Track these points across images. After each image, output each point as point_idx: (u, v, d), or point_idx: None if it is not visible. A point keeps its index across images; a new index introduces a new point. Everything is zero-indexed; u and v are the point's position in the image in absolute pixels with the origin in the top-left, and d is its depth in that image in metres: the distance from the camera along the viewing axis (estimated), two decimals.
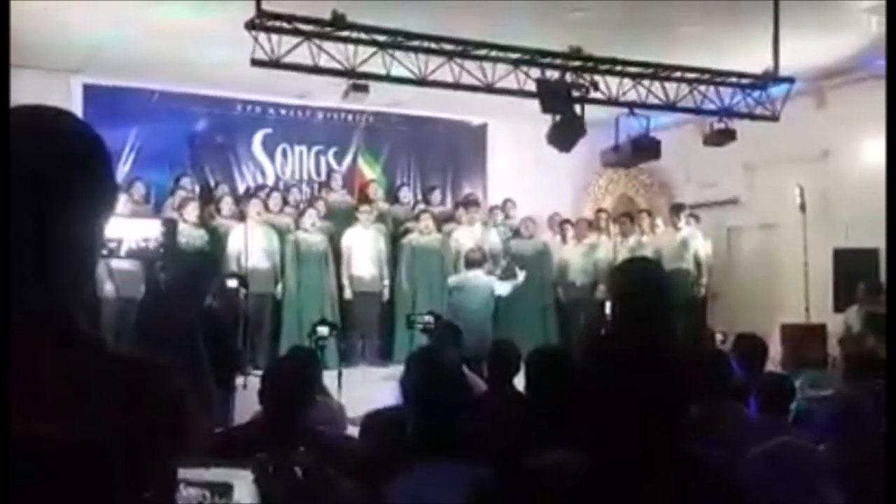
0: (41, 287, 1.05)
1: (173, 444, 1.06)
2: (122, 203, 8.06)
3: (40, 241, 1.05)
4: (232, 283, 7.47)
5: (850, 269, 9.00)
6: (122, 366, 1.07)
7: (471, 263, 8.69)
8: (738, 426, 3.72)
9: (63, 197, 1.07)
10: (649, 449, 2.49)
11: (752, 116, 8.31)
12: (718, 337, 6.58)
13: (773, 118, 8.29)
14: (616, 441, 2.70)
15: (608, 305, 4.11)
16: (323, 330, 6.56)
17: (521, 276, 8.94)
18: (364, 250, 9.72)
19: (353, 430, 4.46)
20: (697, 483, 2.10)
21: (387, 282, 9.82)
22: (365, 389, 7.41)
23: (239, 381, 6.45)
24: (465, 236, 10.12)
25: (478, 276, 8.63)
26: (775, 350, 7.95)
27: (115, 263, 7.77)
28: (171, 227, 7.85)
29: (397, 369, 7.46)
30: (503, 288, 8.75)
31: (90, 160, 1.12)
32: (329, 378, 6.37)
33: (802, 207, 9.38)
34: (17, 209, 1.04)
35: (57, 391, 1.00)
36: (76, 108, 9.80)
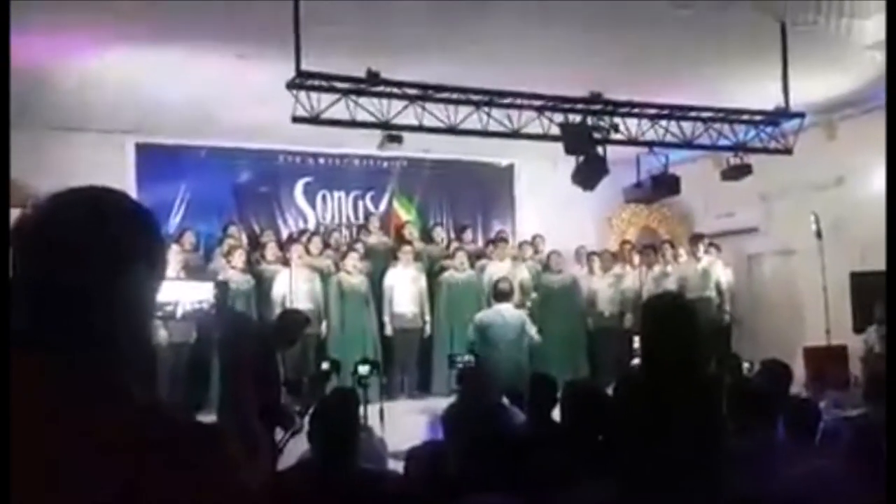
0: (92, 346, 1.09)
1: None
2: (174, 254, 8.17)
3: (93, 306, 1.10)
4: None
5: (867, 290, 8.84)
6: (166, 426, 1.06)
7: (499, 295, 7.86)
8: (769, 450, 3.66)
9: (118, 267, 1.12)
10: (683, 477, 2.46)
11: (766, 151, 8.21)
12: (745, 365, 6.45)
13: (787, 151, 8.19)
14: (651, 470, 2.67)
15: (637, 339, 4.05)
16: (364, 369, 6.54)
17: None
18: (405, 289, 9.74)
19: (394, 464, 4.44)
20: None
21: (428, 317, 9.81)
22: (406, 422, 7.39)
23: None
24: (498, 271, 10.08)
25: (508, 310, 7.86)
26: (799, 372, 7.81)
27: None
28: (222, 290, 8.00)
29: (436, 402, 7.45)
30: (533, 330, 7.96)
31: (142, 235, 1.17)
32: (372, 411, 6.36)
33: (819, 234, 9.27)
34: (78, 281, 1.09)
35: (98, 449, 1.00)
36: (129, 165, 9.98)
